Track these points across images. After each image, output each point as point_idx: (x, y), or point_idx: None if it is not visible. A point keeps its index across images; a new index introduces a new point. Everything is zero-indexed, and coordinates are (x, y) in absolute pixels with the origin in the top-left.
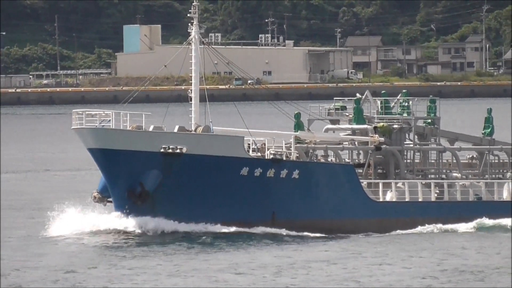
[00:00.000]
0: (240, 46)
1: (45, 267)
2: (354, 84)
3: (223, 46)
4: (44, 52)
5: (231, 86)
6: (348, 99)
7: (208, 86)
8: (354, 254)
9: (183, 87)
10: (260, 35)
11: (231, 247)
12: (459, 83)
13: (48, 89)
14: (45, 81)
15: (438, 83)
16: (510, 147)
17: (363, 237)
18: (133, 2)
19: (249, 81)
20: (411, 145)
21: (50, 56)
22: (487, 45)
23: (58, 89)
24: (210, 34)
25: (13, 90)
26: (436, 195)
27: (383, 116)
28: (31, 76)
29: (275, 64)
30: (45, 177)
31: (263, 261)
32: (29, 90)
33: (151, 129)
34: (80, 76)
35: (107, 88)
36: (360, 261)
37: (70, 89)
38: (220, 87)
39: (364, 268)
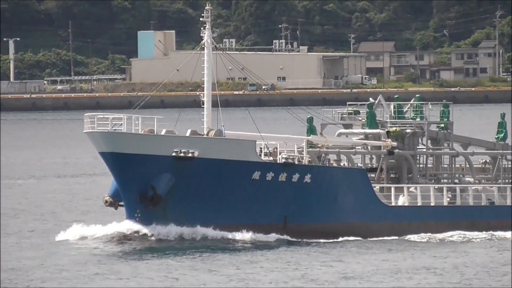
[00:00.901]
0: (254, 52)
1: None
2: (368, 90)
3: (237, 52)
4: (58, 58)
5: (245, 92)
6: (361, 104)
7: (222, 92)
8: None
9: (197, 93)
10: (274, 41)
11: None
12: (473, 89)
13: (63, 95)
14: (59, 87)
15: (452, 89)
16: None
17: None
18: (147, 7)
19: (263, 87)
20: (424, 150)
21: (64, 62)
22: (500, 51)
23: (73, 94)
24: (224, 40)
25: (28, 96)
26: (448, 199)
27: (396, 120)
28: (45, 82)
29: (289, 70)
30: (60, 182)
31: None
32: (44, 95)
33: (163, 133)
34: (95, 82)
35: (121, 94)
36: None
37: (84, 94)
38: (235, 92)
39: None
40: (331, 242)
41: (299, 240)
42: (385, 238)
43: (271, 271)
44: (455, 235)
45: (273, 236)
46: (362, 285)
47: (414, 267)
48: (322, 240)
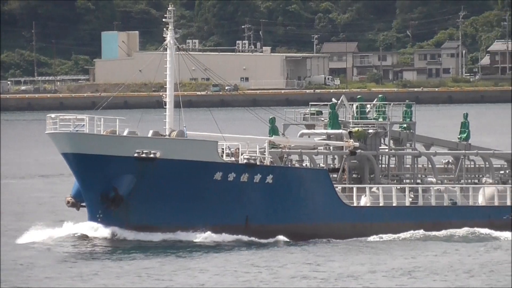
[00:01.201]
0: (217, 53)
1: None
2: (331, 90)
3: (200, 53)
4: (21, 59)
5: (208, 93)
6: (323, 104)
7: (185, 92)
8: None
9: (160, 93)
10: (237, 41)
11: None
12: (436, 89)
13: (27, 95)
14: (23, 87)
15: (416, 89)
16: (486, 152)
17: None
18: (111, 8)
19: (226, 88)
20: (386, 150)
21: (27, 63)
22: (463, 51)
23: (36, 95)
24: (187, 41)
25: None
26: (410, 200)
27: (359, 121)
28: (9, 82)
29: (252, 70)
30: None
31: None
32: (8, 96)
33: (125, 133)
34: (58, 83)
35: (85, 94)
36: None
37: (48, 95)
38: (198, 93)
39: None
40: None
41: (261, 240)
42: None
43: (230, 272)
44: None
45: (234, 237)
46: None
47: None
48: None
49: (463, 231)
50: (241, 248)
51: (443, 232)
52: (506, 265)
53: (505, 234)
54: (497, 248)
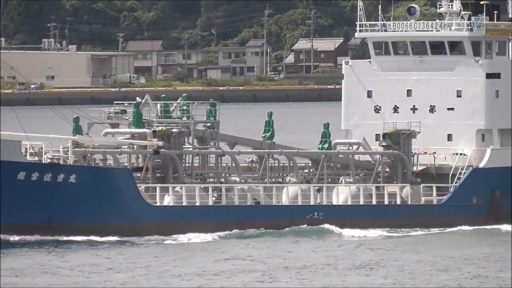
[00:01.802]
0: (23, 51)
1: None
2: (137, 89)
3: (6, 51)
4: None
5: (14, 91)
6: (128, 103)
7: None
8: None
9: None
10: (43, 40)
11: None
12: (241, 88)
13: None
14: None
15: (221, 88)
16: (290, 151)
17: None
18: None
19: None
20: (190, 149)
21: None
22: (268, 50)
23: None
24: None
25: None
26: (214, 199)
27: (163, 120)
28: None
29: (58, 69)
30: None
31: None
32: None
33: None
34: None
35: None
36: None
37: None
38: (3, 91)
39: None
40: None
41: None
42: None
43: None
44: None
45: (37, 237)
46: None
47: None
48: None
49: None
50: (43, 247)
51: (244, 232)
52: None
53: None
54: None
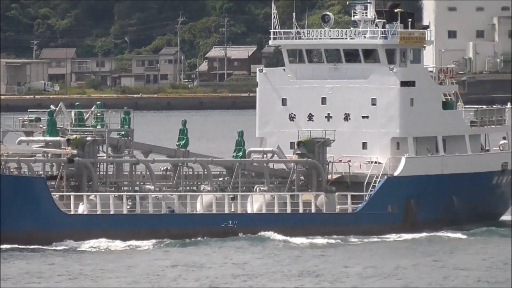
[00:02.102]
0: None
1: None
2: (51, 96)
3: None
4: None
5: None
6: (43, 111)
7: None
8: None
9: None
10: None
11: None
12: (155, 95)
13: None
14: None
15: (135, 95)
16: (204, 159)
17: None
18: None
19: None
20: (105, 157)
21: None
22: (182, 57)
23: None
24: None
25: None
26: (128, 207)
27: (77, 128)
28: None
29: None
30: None
31: None
32: None
33: None
34: None
35: None
36: None
37: None
38: None
39: None
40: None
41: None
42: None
43: None
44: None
45: None
46: None
47: None
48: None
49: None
50: None
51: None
52: None
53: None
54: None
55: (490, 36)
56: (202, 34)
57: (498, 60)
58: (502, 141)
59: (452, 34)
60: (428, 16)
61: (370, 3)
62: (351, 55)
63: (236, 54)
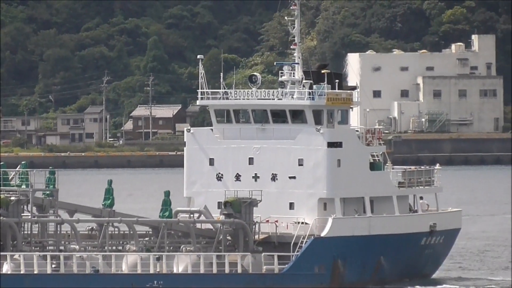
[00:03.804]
0: None
1: None
2: None
3: None
4: None
5: None
6: None
7: None
8: None
9: None
10: None
11: None
12: (83, 154)
13: None
14: None
15: (62, 154)
16: (130, 219)
17: None
18: None
19: None
20: (29, 217)
21: None
22: (107, 116)
23: None
24: None
25: None
26: (53, 267)
27: (1, 188)
28: None
29: None
30: None
31: None
32: None
33: None
34: None
35: None
36: None
37: None
38: None
39: None
40: None
41: None
42: None
43: None
44: None
45: None
46: None
47: None
48: None
49: None
50: None
51: None
52: None
53: None
54: None
55: (414, 96)
56: (126, 93)
57: (423, 119)
58: (421, 201)
59: (376, 94)
60: (354, 76)
61: (297, 63)
62: (278, 116)
63: (160, 113)
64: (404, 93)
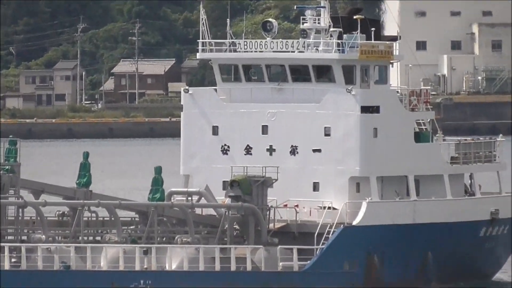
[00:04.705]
0: None
1: None
2: None
3: None
4: None
5: None
6: None
7: None
8: None
9: None
10: None
11: None
12: (53, 121)
13: None
14: None
15: (28, 120)
16: (111, 202)
17: None
18: None
19: None
20: None
21: None
22: (82, 73)
23: None
24: None
25: None
26: (12, 262)
27: None
28: None
29: None
30: None
31: None
32: None
33: None
34: None
35: None
36: None
37: None
38: None
39: None
40: None
41: None
42: None
43: None
44: None
45: None
46: None
47: None
48: None
49: None
50: None
51: None
52: None
53: None
54: None
55: (468, 48)
56: (106, 44)
57: (480, 77)
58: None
59: (421, 45)
60: (393, 23)
61: (323, 7)
62: (299, 73)
63: (149, 69)
64: (456, 45)
